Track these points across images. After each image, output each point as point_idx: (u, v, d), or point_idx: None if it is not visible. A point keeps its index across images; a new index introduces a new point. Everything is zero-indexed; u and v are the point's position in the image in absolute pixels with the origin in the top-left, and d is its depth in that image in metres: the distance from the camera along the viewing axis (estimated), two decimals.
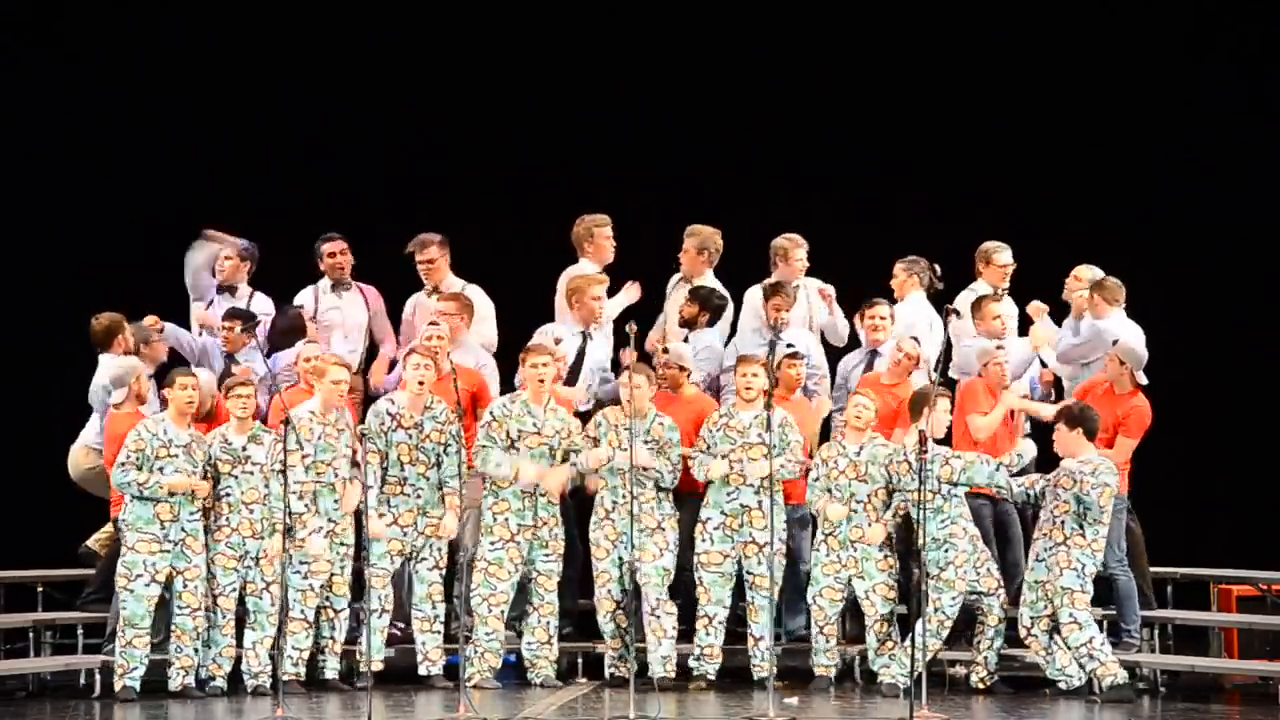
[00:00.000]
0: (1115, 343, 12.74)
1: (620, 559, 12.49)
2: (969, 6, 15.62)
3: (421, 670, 12.64)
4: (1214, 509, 15.37)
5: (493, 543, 12.56)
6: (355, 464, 12.44)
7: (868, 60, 15.66)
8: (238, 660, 12.42)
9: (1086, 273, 13.26)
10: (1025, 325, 13.52)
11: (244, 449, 12.41)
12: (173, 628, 12.28)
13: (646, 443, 12.52)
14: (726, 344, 13.58)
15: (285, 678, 11.91)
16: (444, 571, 12.60)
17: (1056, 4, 15.61)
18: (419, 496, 12.59)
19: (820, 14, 15.72)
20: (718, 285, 13.58)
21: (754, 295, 13.55)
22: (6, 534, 14.10)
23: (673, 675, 12.53)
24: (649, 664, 12.40)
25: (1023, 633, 12.33)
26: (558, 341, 13.07)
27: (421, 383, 12.53)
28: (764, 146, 15.61)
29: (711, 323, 13.41)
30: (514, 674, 12.89)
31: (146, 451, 12.20)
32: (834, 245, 13.89)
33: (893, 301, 13.53)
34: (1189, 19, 15.49)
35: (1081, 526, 12.16)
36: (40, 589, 13.31)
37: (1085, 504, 12.11)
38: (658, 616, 12.57)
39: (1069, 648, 12.17)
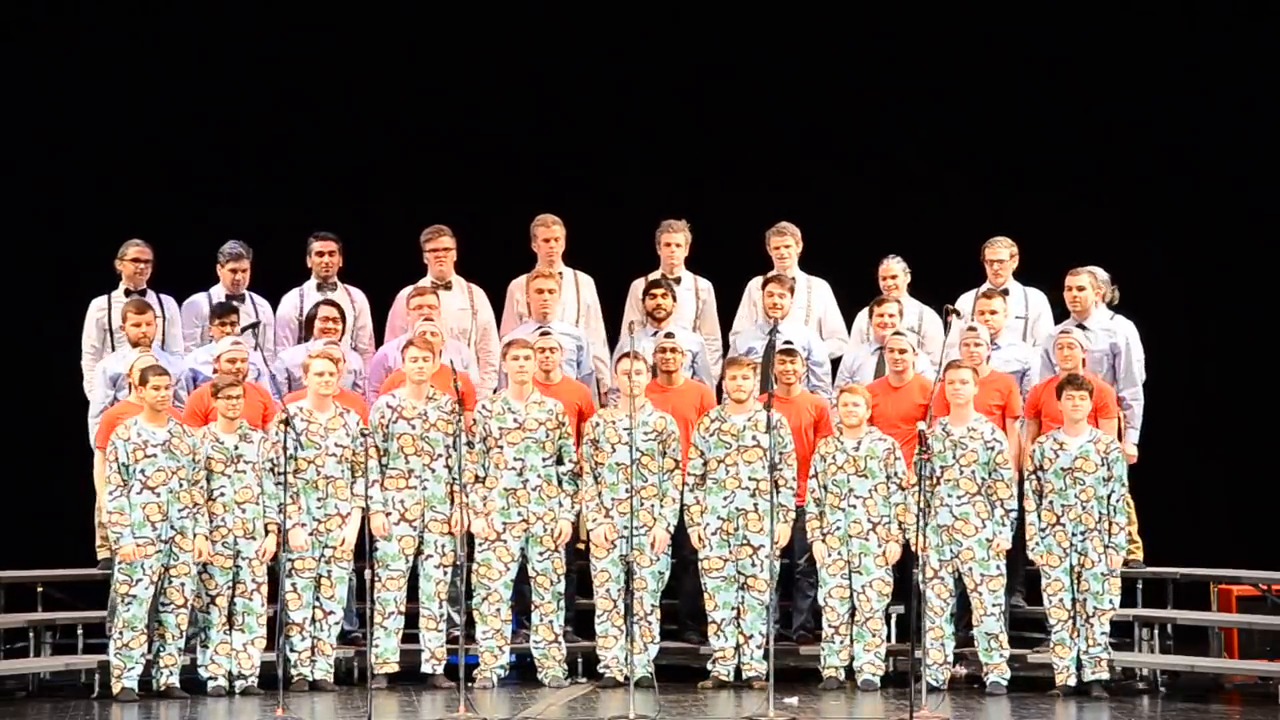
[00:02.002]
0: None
1: (621, 557, 12.50)
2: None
3: (426, 668, 12.64)
4: (1214, 509, 15.37)
5: (480, 543, 12.57)
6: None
7: (867, 55, 15.65)
8: None
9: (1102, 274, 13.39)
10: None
11: (235, 448, 12.41)
12: (157, 625, 12.29)
13: (646, 434, 12.54)
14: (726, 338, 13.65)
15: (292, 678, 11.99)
16: (449, 569, 12.61)
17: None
18: (425, 489, 12.60)
19: (820, 9, 15.71)
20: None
21: (753, 287, 13.63)
22: (6, 534, 14.10)
23: (651, 673, 12.56)
24: (633, 665, 12.36)
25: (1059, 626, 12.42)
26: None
27: (421, 372, 12.54)
28: (764, 142, 15.61)
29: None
30: (515, 674, 12.90)
31: (123, 459, 12.21)
32: (832, 241, 13.89)
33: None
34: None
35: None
36: (40, 589, 13.30)
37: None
38: (649, 622, 12.59)
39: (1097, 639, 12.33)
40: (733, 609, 12.56)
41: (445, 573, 12.61)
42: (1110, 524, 12.35)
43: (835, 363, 13.59)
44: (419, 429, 12.57)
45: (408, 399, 12.60)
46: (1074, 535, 12.37)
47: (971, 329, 12.90)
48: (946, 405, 12.53)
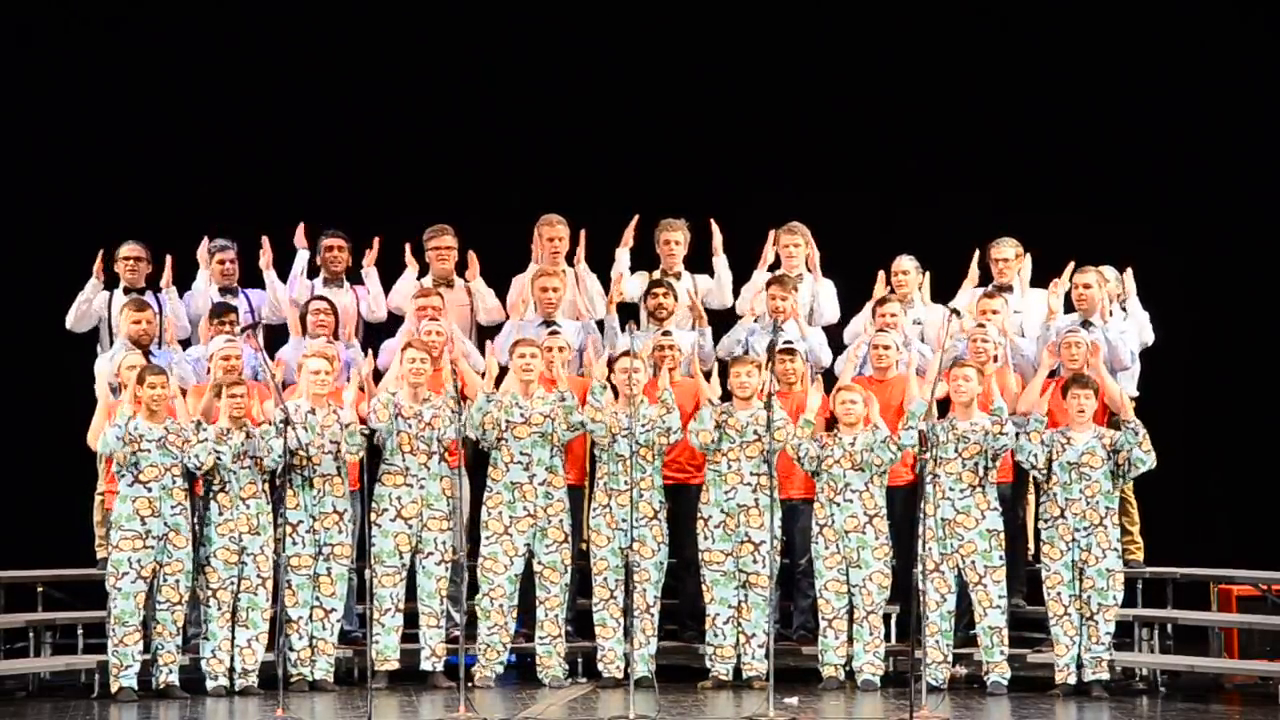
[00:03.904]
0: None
1: (620, 548, 12.52)
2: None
3: (425, 665, 12.64)
4: (1214, 509, 15.37)
5: (487, 537, 12.60)
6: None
7: (870, 51, 15.66)
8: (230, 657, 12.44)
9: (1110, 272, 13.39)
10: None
11: (241, 444, 12.41)
12: (154, 624, 12.29)
13: (644, 427, 12.55)
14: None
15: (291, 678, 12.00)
16: (448, 566, 12.63)
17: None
18: (422, 488, 12.62)
19: (824, 9, 15.72)
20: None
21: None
22: (6, 534, 14.10)
23: (653, 672, 12.58)
24: (633, 661, 12.37)
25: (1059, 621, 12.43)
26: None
27: (419, 374, 12.59)
28: (765, 140, 15.62)
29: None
30: (515, 674, 12.90)
31: (113, 445, 12.22)
32: (832, 240, 13.91)
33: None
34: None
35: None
36: (40, 589, 13.30)
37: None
38: (651, 615, 12.61)
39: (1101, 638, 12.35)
40: (731, 607, 12.56)
41: (445, 569, 12.64)
42: (1116, 519, 12.40)
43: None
44: (415, 429, 12.59)
45: (405, 400, 12.62)
46: (1076, 530, 12.38)
47: (980, 326, 12.94)
48: (951, 403, 12.58)
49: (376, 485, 12.58)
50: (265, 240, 13.56)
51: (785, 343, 12.84)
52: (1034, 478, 12.75)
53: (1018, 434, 12.46)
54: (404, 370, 12.67)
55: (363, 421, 12.53)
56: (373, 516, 12.51)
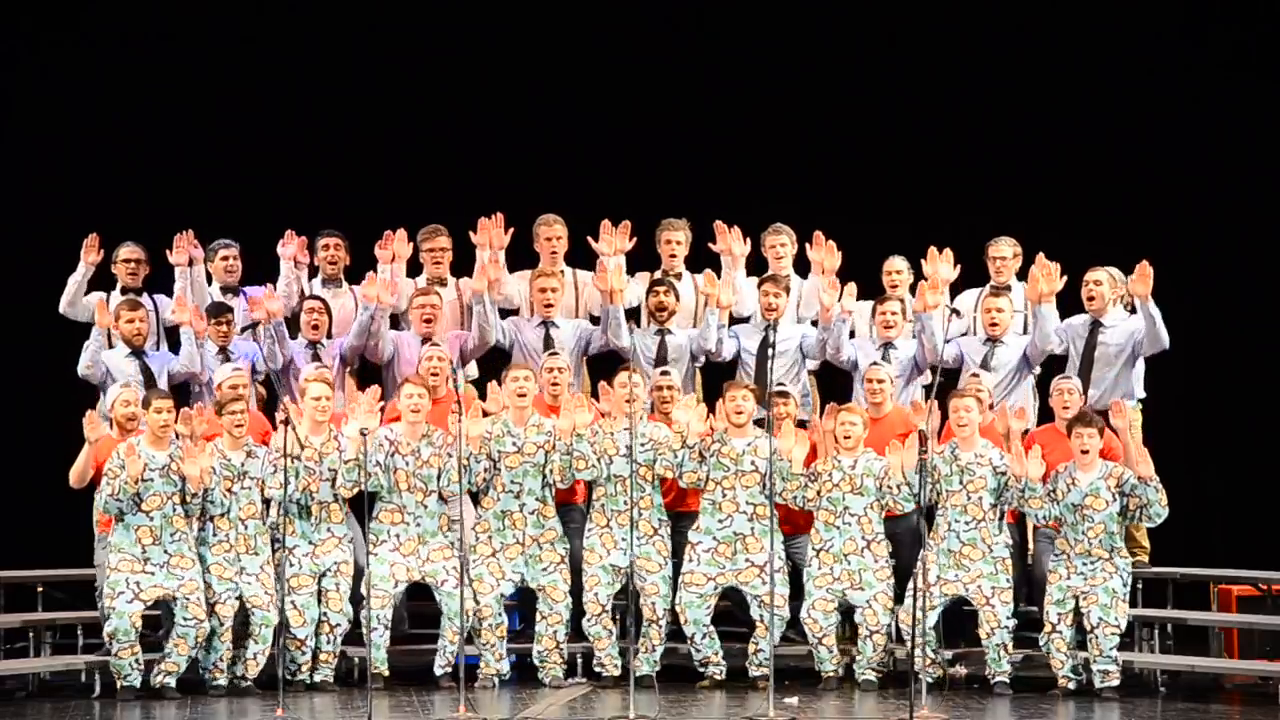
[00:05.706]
0: None
1: (614, 565, 12.50)
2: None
3: (437, 670, 12.60)
4: (1214, 509, 15.37)
5: (474, 560, 12.57)
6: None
7: (870, 51, 15.67)
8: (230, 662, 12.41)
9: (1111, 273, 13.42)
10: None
11: (241, 464, 12.38)
12: (174, 637, 12.24)
13: (643, 445, 12.53)
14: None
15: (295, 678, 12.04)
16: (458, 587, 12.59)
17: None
18: (419, 525, 12.58)
19: (819, 6, 15.73)
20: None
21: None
22: (6, 534, 14.10)
23: (655, 672, 12.58)
24: (637, 664, 12.36)
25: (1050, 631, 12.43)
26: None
27: (416, 411, 12.52)
28: (764, 141, 15.63)
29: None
30: (515, 674, 12.90)
31: (117, 493, 12.17)
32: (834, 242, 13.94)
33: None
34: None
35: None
36: (40, 589, 13.32)
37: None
38: (659, 625, 12.59)
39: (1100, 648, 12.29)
40: (705, 626, 12.51)
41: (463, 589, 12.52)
42: (1119, 549, 12.37)
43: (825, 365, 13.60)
44: (412, 465, 12.54)
45: (403, 435, 12.56)
46: (1080, 561, 12.35)
47: (974, 375, 12.93)
48: (950, 432, 12.58)
49: (373, 522, 12.50)
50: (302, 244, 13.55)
51: (778, 384, 12.79)
52: None
53: (1020, 494, 12.41)
54: (402, 406, 12.58)
55: None
56: (370, 546, 12.43)
